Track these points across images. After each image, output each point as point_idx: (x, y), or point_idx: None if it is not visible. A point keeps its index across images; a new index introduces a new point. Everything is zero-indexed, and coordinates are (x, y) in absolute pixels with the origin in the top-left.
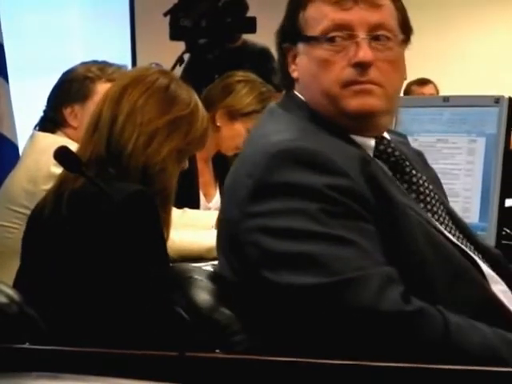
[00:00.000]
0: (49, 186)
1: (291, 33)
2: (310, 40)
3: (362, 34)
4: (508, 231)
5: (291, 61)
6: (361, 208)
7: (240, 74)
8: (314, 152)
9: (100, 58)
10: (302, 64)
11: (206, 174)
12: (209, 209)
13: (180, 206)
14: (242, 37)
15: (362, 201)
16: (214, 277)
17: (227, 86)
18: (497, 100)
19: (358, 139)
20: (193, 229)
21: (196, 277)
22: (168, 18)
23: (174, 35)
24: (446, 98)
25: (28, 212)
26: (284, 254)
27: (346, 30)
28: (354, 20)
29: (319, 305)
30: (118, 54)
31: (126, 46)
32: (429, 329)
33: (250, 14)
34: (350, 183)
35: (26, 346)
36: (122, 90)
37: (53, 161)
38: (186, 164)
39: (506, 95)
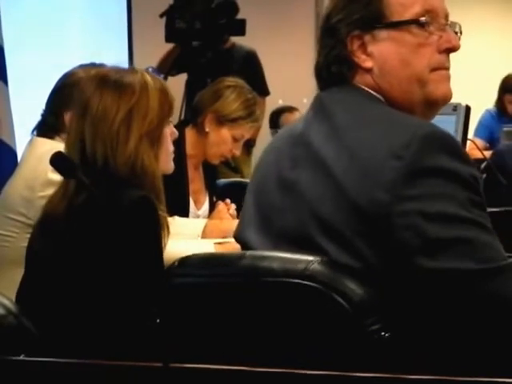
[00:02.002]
0: (46, 192)
1: (368, 19)
2: (401, 25)
3: (445, 21)
4: None
5: (358, 50)
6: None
7: (229, 80)
8: (455, 140)
9: (97, 60)
10: (383, 51)
11: (196, 181)
12: (198, 216)
13: (170, 214)
14: (230, 39)
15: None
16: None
17: (216, 91)
18: (455, 108)
19: None
20: (179, 237)
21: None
22: (165, 19)
23: (170, 37)
24: None
25: (25, 220)
26: (442, 238)
27: (433, 15)
28: (438, 7)
29: (477, 290)
30: (116, 55)
31: (124, 48)
32: None
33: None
34: (479, 174)
35: (22, 358)
36: (79, 116)
37: (50, 167)
38: (171, 146)
39: (464, 103)
